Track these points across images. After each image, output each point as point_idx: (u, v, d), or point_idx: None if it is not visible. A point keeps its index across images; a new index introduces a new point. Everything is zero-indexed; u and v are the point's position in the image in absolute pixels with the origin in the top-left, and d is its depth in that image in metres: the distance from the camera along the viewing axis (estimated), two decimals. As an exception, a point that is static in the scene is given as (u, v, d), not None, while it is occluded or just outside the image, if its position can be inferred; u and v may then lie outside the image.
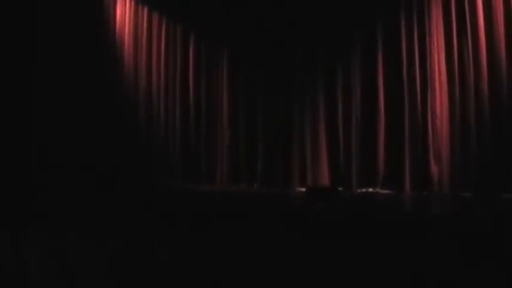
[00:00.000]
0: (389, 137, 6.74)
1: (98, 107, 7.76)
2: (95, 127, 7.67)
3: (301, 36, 7.28)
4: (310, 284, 2.99)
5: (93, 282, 3.05)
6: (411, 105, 6.62)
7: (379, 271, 3.18)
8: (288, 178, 7.28)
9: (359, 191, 6.81)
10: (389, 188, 6.68)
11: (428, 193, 6.41)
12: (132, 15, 8.24)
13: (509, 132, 6.04)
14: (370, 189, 6.78)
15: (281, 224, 4.45)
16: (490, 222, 4.45)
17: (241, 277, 3.13)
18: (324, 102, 7.17)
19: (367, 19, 6.91)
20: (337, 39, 7.09)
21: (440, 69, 6.50)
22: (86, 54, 7.67)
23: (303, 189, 6.62)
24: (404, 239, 3.92)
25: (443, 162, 6.42)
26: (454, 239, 3.90)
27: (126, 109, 8.11)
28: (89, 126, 7.63)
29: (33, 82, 7.35)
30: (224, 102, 7.79)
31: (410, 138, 6.60)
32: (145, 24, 8.21)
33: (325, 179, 7.02)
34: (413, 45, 6.65)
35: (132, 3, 8.25)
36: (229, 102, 7.78)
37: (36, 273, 3.20)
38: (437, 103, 6.49)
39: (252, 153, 7.54)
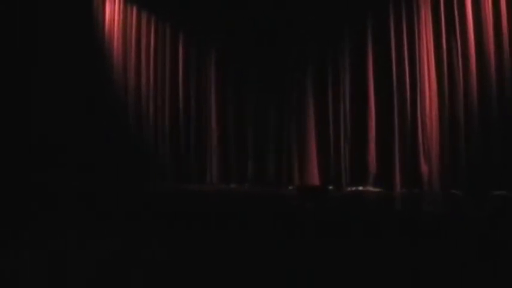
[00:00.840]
0: (380, 136, 6.75)
1: (93, 107, 7.76)
2: (92, 127, 7.67)
3: (291, 36, 7.26)
4: (304, 283, 2.99)
5: (91, 282, 3.03)
6: (401, 104, 6.64)
7: (369, 270, 3.18)
8: (278, 178, 7.26)
9: (349, 189, 6.81)
10: (380, 186, 6.69)
11: (418, 191, 6.43)
12: (121, 15, 8.18)
13: (498, 130, 6.08)
14: (361, 188, 6.79)
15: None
16: (482, 220, 4.47)
17: (238, 276, 3.12)
18: (314, 101, 7.16)
19: (357, 19, 6.92)
20: (328, 38, 7.09)
21: (429, 69, 6.54)
22: (78, 54, 7.69)
23: (292, 189, 6.61)
24: (395, 237, 3.93)
25: (433, 161, 6.45)
26: (445, 237, 3.92)
27: (116, 109, 8.05)
28: (87, 125, 7.62)
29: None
30: (213, 102, 7.75)
31: (400, 137, 6.62)
32: (134, 24, 8.15)
33: (315, 178, 7.02)
34: (402, 45, 6.67)
35: (121, 2, 8.19)
36: (219, 101, 7.74)
37: (35, 274, 3.17)
38: (427, 102, 6.52)
39: (243, 153, 7.51)
